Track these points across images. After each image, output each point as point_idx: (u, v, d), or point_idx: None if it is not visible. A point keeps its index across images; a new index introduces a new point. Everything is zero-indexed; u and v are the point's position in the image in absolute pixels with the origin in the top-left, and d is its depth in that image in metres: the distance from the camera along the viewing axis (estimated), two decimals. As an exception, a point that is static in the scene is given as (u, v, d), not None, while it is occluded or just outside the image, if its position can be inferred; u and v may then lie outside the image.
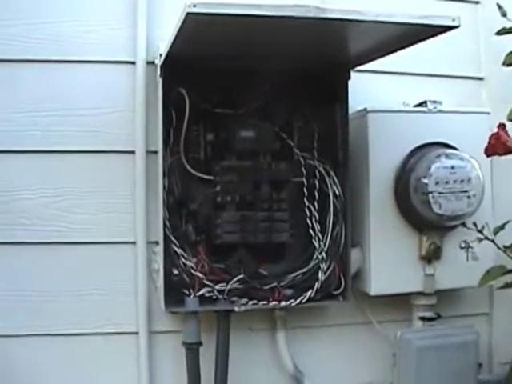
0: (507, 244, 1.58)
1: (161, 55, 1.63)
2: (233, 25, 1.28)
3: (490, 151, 1.45)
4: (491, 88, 2.05)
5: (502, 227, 1.54)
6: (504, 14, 1.48)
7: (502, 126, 1.43)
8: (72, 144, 1.77)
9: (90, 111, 1.77)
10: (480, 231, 1.54)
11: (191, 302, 1.66)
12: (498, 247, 1.55)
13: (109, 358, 1.78)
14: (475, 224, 1.56)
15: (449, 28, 1.35)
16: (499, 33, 1.49)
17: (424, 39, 1.44)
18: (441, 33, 1.39)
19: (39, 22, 1.75)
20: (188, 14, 1.17)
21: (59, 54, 1.76)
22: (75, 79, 1.78)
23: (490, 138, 1.44)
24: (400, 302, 1.88)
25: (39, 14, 1.75)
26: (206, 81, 1.67)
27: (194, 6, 1.18)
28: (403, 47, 1.52)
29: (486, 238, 1.54)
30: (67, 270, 1.77)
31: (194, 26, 1.24)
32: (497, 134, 1.43)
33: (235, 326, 1.77)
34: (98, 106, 1.78)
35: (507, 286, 1.54)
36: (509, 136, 1.43)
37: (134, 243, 1.79)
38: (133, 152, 1.79)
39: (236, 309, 1.67)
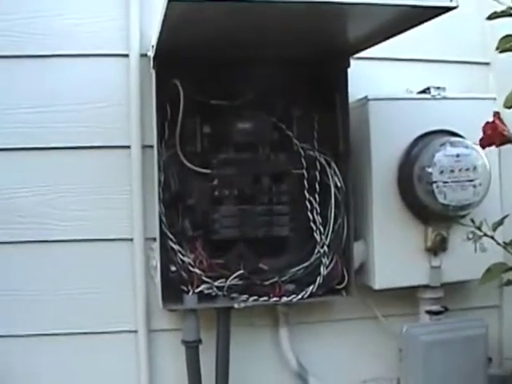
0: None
1: (153, 46, 1.58)
2: (221, 11, 1.22)
3: (485, 142, 1.37)
4: (498, 73, 1.98)
5: (500, 222, 1.45)
6: None
7: (497, 114, 1.35)
8: (66, 140, 1.73)
9: (83, 106, 1.73)
10: (478, 228, 1.46)
11: (190, 300, 1.62)
12: (498, 243, 1.47)
13: (107, 358, 1.75)
14: (472, 220, 1.47)
15: (447, 9, 1.28)
16: (490, 17, 1.40)
17: (423, 21, 1.37)
18: (440, 14, 1.32)
19: (29, 16, 1.71)
20: (170, 0, 1.12)
21: (50, 49, 1.72)
22: (67, 74, 1.74)
23: (485, 128, 1.35)
24: (406, 295, 1.83)
25: (28, 8, 1.71)
26: (200, 72, 1.63)
27: (177, -8, 1.13)
28: (402, 31, 1.45)
29: (485, 234, 1.45)
30: (63, 268, 1.74)
31: (178, 13, 1.19)
32: (493, 123, 1.34)
33: (236, 322, 1.73)
34: (91, 101, 1.74)
35: (510, 283, 1.47)
36: (505, 124, 1.35)
37: (131, 240, 1.75)
38: (128, 147, 1.75)
39: (236, 306, 1.63)
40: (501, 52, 1.41)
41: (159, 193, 1.62)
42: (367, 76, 1.85)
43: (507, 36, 1.39)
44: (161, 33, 1.35)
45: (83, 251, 1.74)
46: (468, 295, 1.95)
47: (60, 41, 1.72)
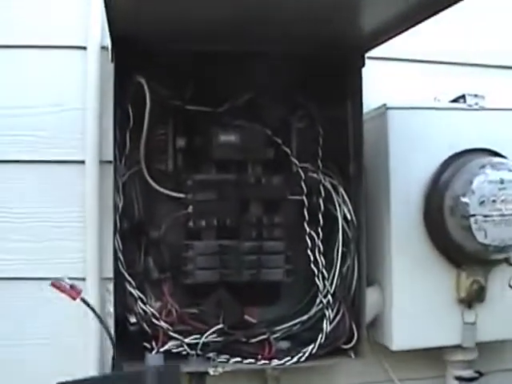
0: None
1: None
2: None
3: None
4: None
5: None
6: None
7: None
8: (6, 152, 1.42)
9: (28, 110, 1.44)
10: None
11: (153, 360, 1.26)
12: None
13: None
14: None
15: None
16: None
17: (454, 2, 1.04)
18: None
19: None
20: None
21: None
22: (10, 70, 1.44)
23: None
24: (430, 356, 1.49)
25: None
26: (173, 68, 1.33)
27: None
28: (429, 16, 1.12)
29: None
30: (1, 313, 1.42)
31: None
32: None
33: None
34: (38, 104, 1.44)
35: None
36: None
37: (83, 280, 1.42)
38: (83, 162, 1.43)
39: (211, 372, 1.28)
40: None
41: (116, 222, 1.31)
42: (385, 80, 1.56)
43: None
44: (108, 13, 1.02)
45: (24, 292, 1.43)
46: (504, 355, 1.63)
47: (2, 29, 1.42)
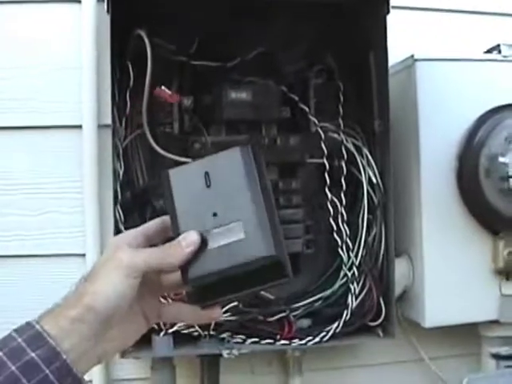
0: None
1: (106, -21, 1.12)
2: None
3: None
4: None
5: None
6: None
7: None
8: None
9: (18, 71, 1.29)
10: None
11: (161, 344, 1.18)
12: None
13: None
14: None
15: None
16: None
17: None
18: None
19: None
20: None
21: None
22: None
23: None
24: (463, 332, 1.36)
25: None
26: (178, 20, 1.18)
27: None
28: None
29: None
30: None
31: None
32: None
33: (229, 368, 1.28)
34: (28, 65, 1.29)
35: None
36: None
37: (83, 255, 1.29)
38: (79, 127, 1.29)
39: (225, 354, 1.16)
40: None
41: (116, 191, 1.17)
42: (411, 32, 1.41)
43: None
44: None
45: (19, 270, 1.30)
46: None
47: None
